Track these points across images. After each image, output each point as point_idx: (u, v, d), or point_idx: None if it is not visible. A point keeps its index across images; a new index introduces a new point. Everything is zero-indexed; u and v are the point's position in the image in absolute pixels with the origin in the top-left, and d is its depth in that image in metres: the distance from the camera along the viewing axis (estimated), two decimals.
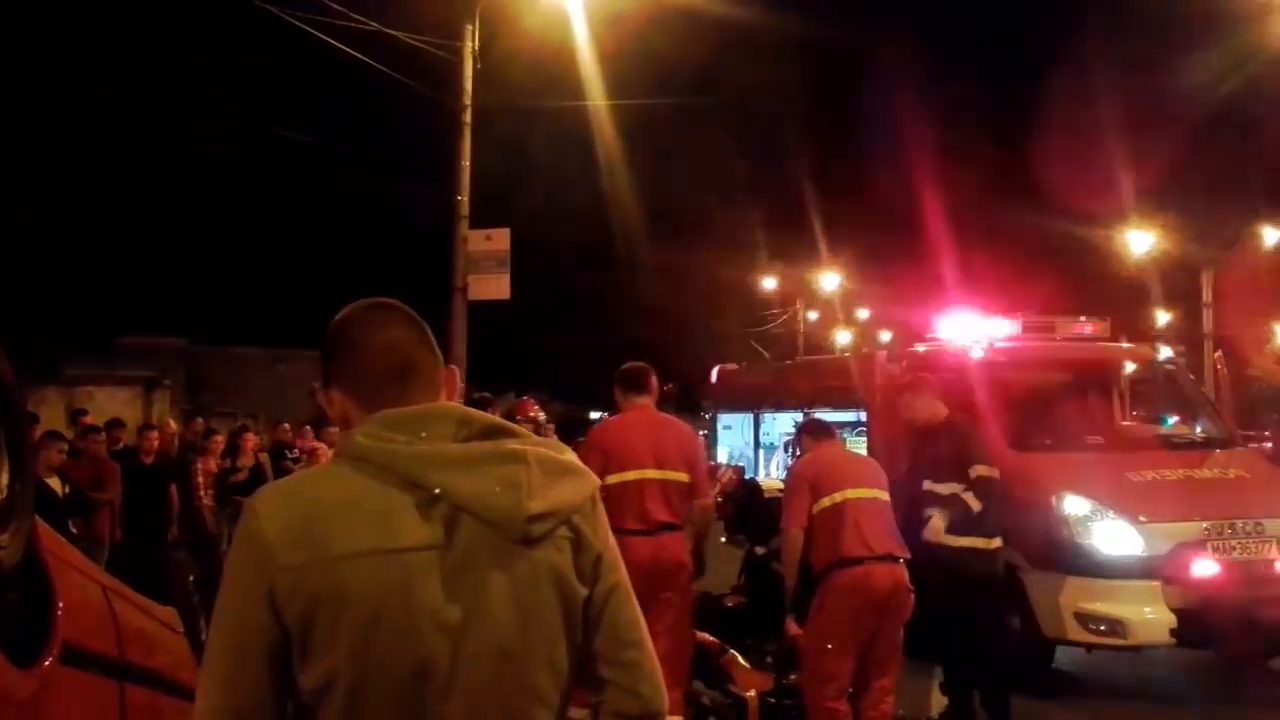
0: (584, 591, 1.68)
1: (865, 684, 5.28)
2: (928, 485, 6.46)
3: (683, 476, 5.42)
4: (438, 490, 1.59)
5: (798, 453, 6.46)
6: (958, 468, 6.41)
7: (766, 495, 8.36)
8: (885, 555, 5.22)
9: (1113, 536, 7.02)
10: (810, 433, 6.01)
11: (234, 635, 1.60)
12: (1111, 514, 7.10)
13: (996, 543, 6.35)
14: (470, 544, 1.60)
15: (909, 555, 5.37)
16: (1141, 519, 7.08)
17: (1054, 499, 7.23)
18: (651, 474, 5.34)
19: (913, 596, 5.29)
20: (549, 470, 1.66)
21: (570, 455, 1.76)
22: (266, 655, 1.58)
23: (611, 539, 1.76)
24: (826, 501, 5.33)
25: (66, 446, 9.07)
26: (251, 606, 1.58)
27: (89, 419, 10.57)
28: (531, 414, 9.52)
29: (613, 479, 5.17)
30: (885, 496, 5.48)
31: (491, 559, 1.60)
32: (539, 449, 1.68)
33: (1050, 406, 8.92)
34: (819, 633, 5.27)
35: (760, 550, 7.74)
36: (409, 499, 1.59)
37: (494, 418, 1.73)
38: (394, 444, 1.63)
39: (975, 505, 6.27)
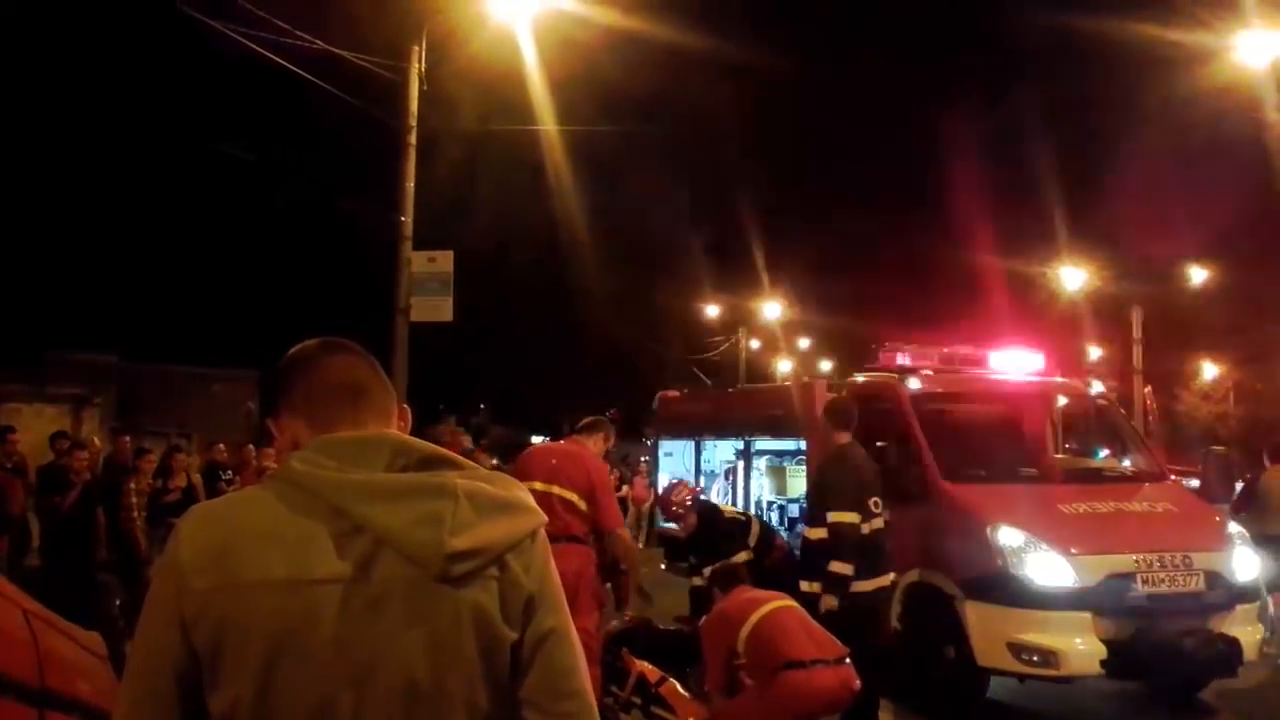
0: (512, 635, 1.61)
1: None
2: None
3: (572, 496, 5.97)
4: (359, 521, 1.55)
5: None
6: (816, 509, 6.88)
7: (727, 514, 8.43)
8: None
9: (1045, 568, 7.12)
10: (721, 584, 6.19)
11: (147, 657, 1.58)
12: (1044, 546, 7.20)
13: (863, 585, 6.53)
14: (388, 579, 1.55)
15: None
16: (1073, 551, 7.18)
17: (988, 530, 7.31)
18: (538, 487, 5.82)
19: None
20: (482, 506, 1.61)
21: (515, 491, 1.70)
22: (175, 678, 1.55)
23: (554, 579, 1.69)
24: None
25: None
26: (163, 629, 1.56)
27: (16, 437, 10.28)
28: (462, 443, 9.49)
29: None
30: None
31: (408, 596, 1.55)
32: (475, 483, 1.63)
33: (985, 438, 9.06)
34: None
35: (699, 581, 7.73)
36: (329, 528, 1.56)
37: (436, 448, 1.69)
38: (325, 470, 1.60)
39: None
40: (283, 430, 1.75)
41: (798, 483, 9.68)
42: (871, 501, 6.71)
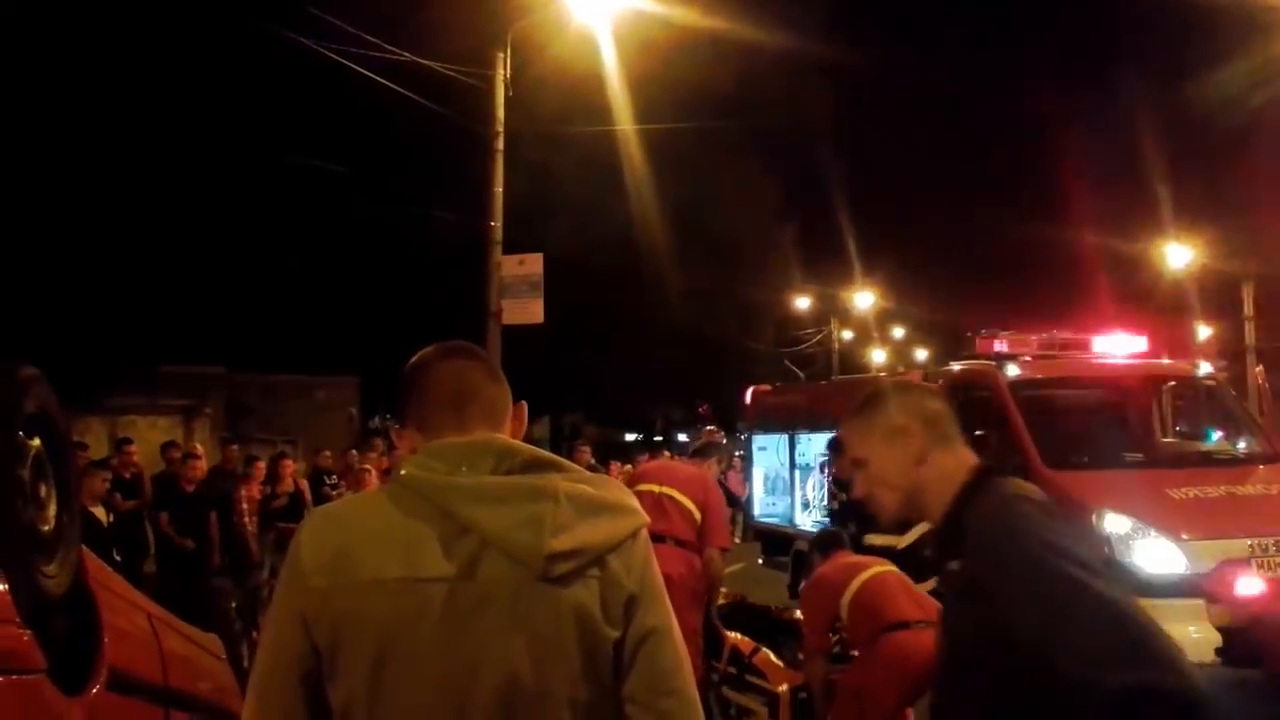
0: (614, 633, 1.65)
1: None
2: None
3: (687, 501, 6.00)
4: (465, 523, 1.62)
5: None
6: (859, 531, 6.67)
7: None
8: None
9: (1155, 555, 6.94)
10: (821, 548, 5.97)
11: (273, 653, 1.67)
12: (1153, 532, 7.03)
13: None
14: (493, 578, 1.61)
15: None
16: (1184, 536, 6.99)
17: (1094, 516, 7.15)
18: (653, 487, 5.95)
19: None
20: (582, 507, 1.66)
21: (616, 493, 1.75)
22: (298, 673, 1.63)
23: (655, 578, 1.73)
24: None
25: (111, 476, 9.22)
26: (286, 627, 1.65)
27: (133, 448, 10.72)
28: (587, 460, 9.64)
29: None
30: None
31: (511, 595, 1.60)
32: (577, 485, 1.68)
33: (1088, 424, 8.85)
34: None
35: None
36: (438, 530, 1.62)
37: (540, 451, 1.75)
38: (434, 474, 1.67)
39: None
40: (402, 438, 1.84)
41: None
42: None
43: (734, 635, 6.29)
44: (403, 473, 1.71)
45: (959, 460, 2.03)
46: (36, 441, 2.10)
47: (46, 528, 2.09)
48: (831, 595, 5.39)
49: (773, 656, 6.14)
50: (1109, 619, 1.64)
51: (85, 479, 8.72)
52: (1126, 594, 1.67)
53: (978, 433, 8.07)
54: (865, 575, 5.36)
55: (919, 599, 5.28)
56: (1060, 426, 8.40)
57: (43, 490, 2.11)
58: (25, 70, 18.26)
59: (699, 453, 6.87)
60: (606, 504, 1.70)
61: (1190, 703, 1.58)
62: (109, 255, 21.38)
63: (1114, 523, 7.09)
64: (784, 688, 5.85)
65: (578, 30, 14.57)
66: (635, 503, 1.76)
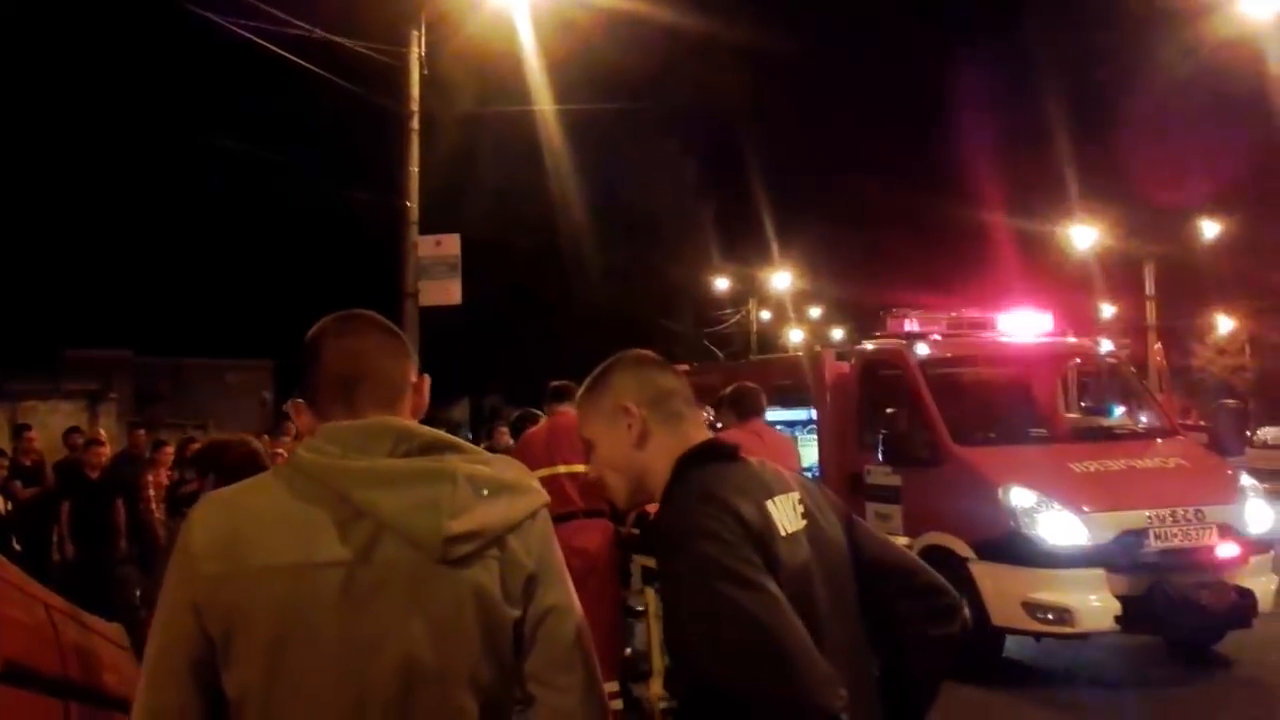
0: (514, 613, 1.65)
1: None
2: None
3: (577, 468, 5.80)
4: (361, 507, 1.60)
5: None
6: None
7: None
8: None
9: (1058, 527, 7.16)
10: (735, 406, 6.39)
11: (163, 642, 1.63)
12: (1056, 505, 7.24)
13: None
14: (389, 562, 1.59)
15: None
16: (1085, 509, 7.21)
17: (1000, 491, 7.35)
18: (542, 472, 5.68)
19: None
20: (481, 488, 1.65)
21: (515, 472, 1.74)
22: (189, 662, 1.61)
23: (555, 557, 1.73)
24: None
25: (7, 464, 8.92)
26: (177, 614, 1.62)
27: (33, 435, 10.38)
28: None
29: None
30: None
31: (410, 578, 1.59)
32: (475, 466, 1.68)
33: (995, 401, 9.09)
34: None
35: None
36: (333, 514, 1.60)
37: (438, 433, 1.73)
38: (328, 458, 1.64)
39: None
40: (299, 413, 1.80)
41: (809, 452, 9.72)
42: None
43: (643, 559, 6.33)
44: (297, 455, 1.68)
45: (681, 442, 1.91)
46: None
47: None
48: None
49: None
50: (748, 633, 1.59)
51: None
52: (776, 609, 1.62)
53: (889, 410, 8.24)
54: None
55: None
56: (969, 404, 8.61)
57: None
58: None
59: (559, 396, 6.37)
60: (505, 484, 1.70)
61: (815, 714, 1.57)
62: (10, 236, 20.63)
63: (1019, 496, 7.29)
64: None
65: (494, 8, 14.43)
66: (534, 481, 1.76)
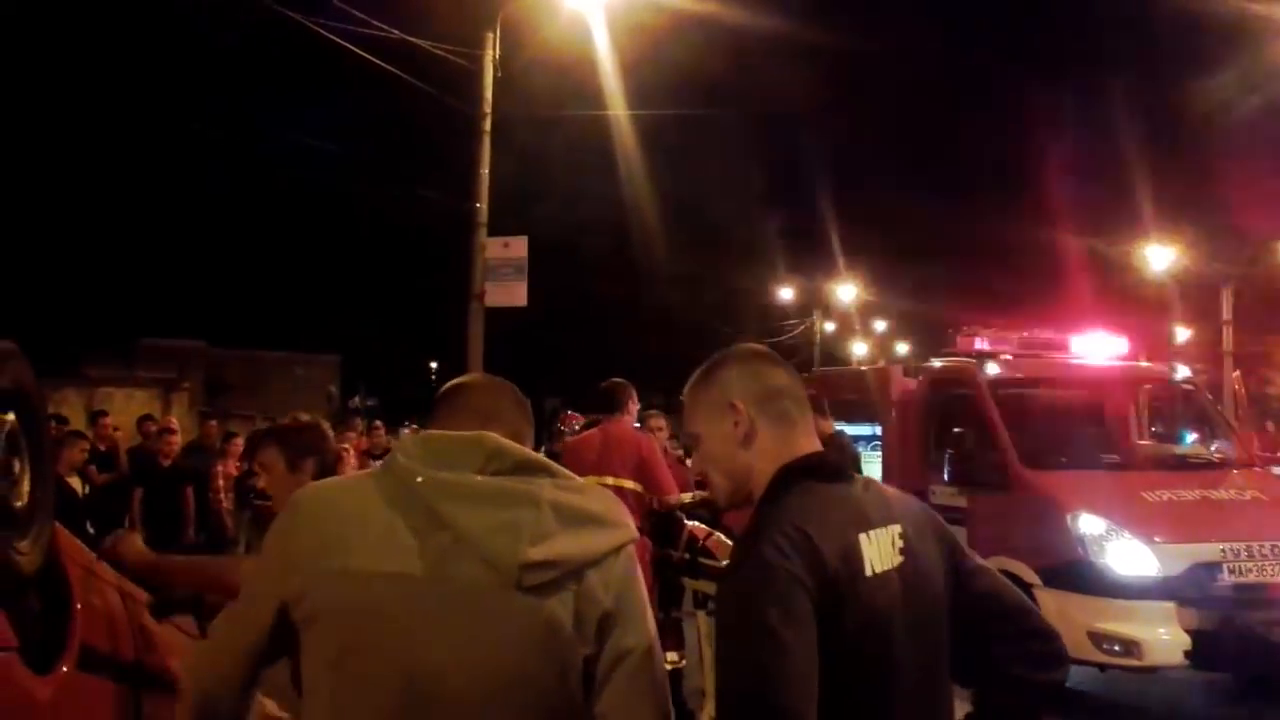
0: (585, 649, 1.61)
1: None
2: None
3: (624, 482, 5.90)
4: (443, 519, 1.59)
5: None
6: None
7: None
8: None
9: (1128, 556, 6.98)
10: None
11: (235, 624, 1.70)
12: (1126, 534, 7.07)
13: None
14: (462, 580, 1.57)
15: None
16: (1157, 539, 7.03)
17: (1069, 518, 7.20)
18: (592, 481, 5.68)
19: None
20: (567, 518, 1.62)
21: (605, 504, 1.71)
22: (252, 649, 1.66)
23: (637, 596, 1.68)
24: None
25: (88, 446, 9.14)
26: (258, 603, 1.66)
27: (109, 420, 10.65)
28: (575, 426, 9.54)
29: None
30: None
31: (483, 598, 1.57)
32: (563, 494, 1.65)
33: (1065, 424, 8.90)
34: None
35: None
36: (414, 523, 1.60)
37: (532, 454, 1.71)
38: (419, 466, 1.64)
39: None
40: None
41: (873, 469, 9.62)
42: None
43: (692, 524, 6.38)
44: (394, 460, 1.70)
45: (788, 447, 1.83)
46: (10, 416, 2.07)
47: (20, 504, 2.07)
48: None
49: (724, 538, 6.26)
50: (747, 680, 1.55)
51: (63, 449, 8.69)
52: (803, 662, 1.57)
53: (957, 430, 8.12)
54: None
55: None
56: (1038, 426, 8.45)
57: (16, 466, 2.08)
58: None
59: (611, 404, 6.34)
60: (592, 516, 1.67)
61: None
62: (93, 226, 21.20)
63: (1089, 523, 7.13)
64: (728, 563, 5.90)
65: (569, 13, 14.51)
66: (625, 516, 1.73)
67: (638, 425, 6.97)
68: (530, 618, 1.58)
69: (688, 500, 6.97)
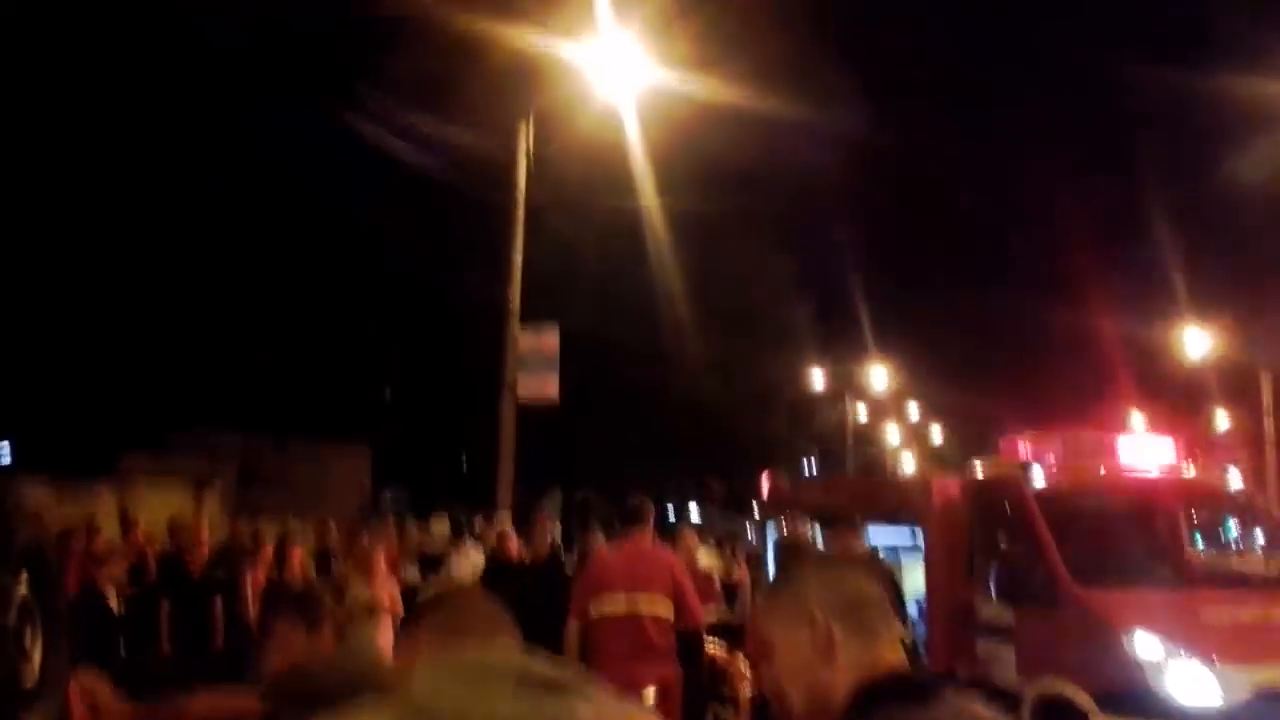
0: None
1: None
2: None
3: (662, 609, 5.94)
4: None
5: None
6: None
7: None
8: None
9: (1188, 680, 6.69)
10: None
11: None
12: (1186, 656, 6.78)
13: None
14: None
15: None
16: (1218, 662, 6.74)
17: (1124, 637, 6.92)
18: (621, 607, 5.92)
19: None
20: None
21: None
22: None
23: None
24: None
25: (127, 565, 9.08)
26: None
27: (141, 530, 10.59)
28: (550, 533, 9.72)
29: (594, 611, 5.95)
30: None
31: None
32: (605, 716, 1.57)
33: (1115, 537, 8.62)
34: None
35: None
36: None
37: (554, 671, 1.62)
38: (449, 699, 1.53)
39: None
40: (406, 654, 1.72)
41: (914, 578, 9.34)
42: (900, 610, 6.64)
43: (713, 646, 6.56)
44: (414, 689, 1.57)
45: (871, 663, 1.70)
46: (23, 587, 1.96)
47: (30, 683, 1.95)
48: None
49: (743, 665, 6.38)
50: None
51: (105, 564, 8.68)
52: None
53: (1002, 543, 7.88)
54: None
55: None
56: (1088, 539, 8.18)
57: (28, 637, 1.96)
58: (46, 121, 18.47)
59: (635, 520, 6.45)
60: None
61: None
62: (123, 316, 21.44)
63: (1145, 644, 6.85)
64: (746, 694, 6.38)
65: (600, 104, 14.69)
66: None
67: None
68: None
69: (711, 619, 7.00)
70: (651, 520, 6.49)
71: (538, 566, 9.52)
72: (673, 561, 6.42)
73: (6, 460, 19.18)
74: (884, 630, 1.74)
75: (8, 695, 1.87)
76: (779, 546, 9.26)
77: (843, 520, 7.00)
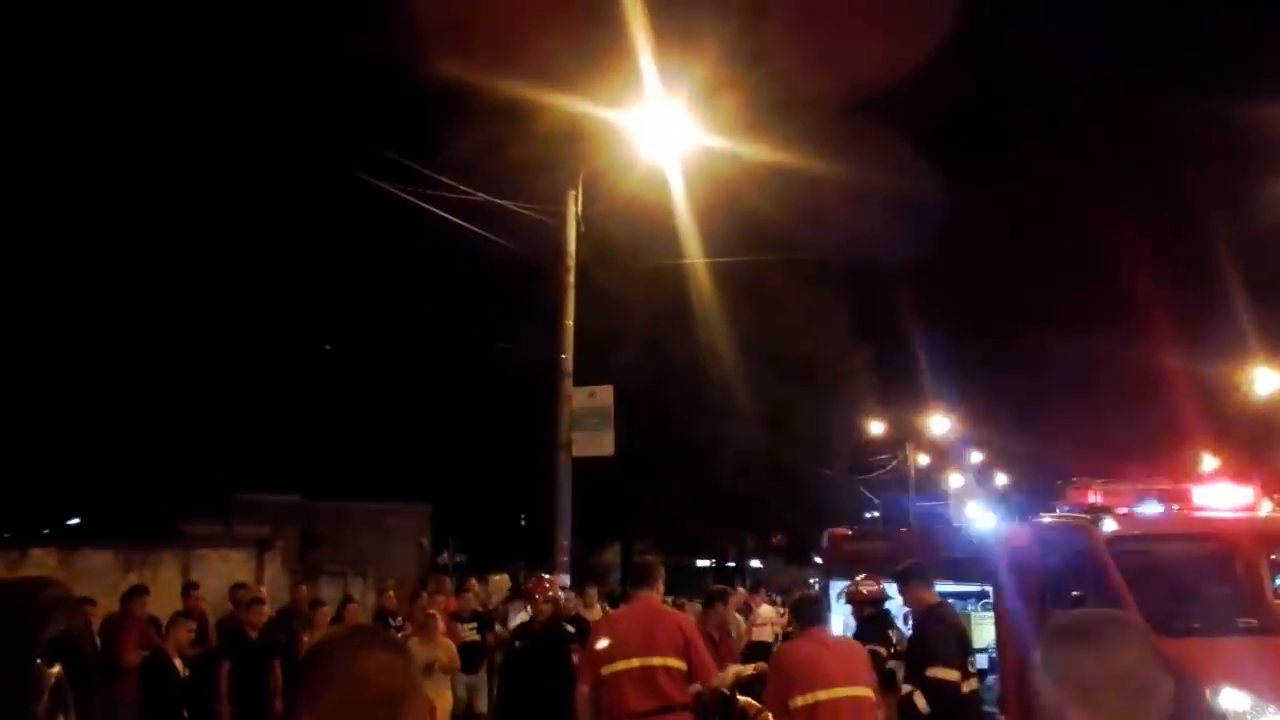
0: None
1: None
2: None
3: (675, 663, 5.88)
4: None
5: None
6: (917, 664, 6.70)
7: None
8: None
9: None
10: (797, 614, 6.24)
11: None
12: (1274, 709, 6.45)
13: None
14: None
15: None
16: None
17: (1208, 692, 6.61)
18: (635, 663, 5.86)
19: None
20: None
21: None
22: None
23: None
24: (799, 701, 5.47)
25: (194, 627, 9.14)
26: None
27: (199, 594, 10.65)
28: (551, 594, 9.55)
29: (605, 670, 5.90)
30: (867, 693, 5.63)
31: None
32: None
33: (1193, 584, 8.26)
34: None
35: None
36: None
37: None
38: None
39: (922, 707, 6.46)
40: None
41: (985, 630, 9.05)
42: (969, 661, 6.40)
43: (744, 700, 6.54)
44: None
45: None
46: (57, 669, 1.93)
47: None
48: (787, 686, 5.61)
49: (771, 716, 6.16)
50: None
51: (171, 630, 8.82)
52: None
53: (1074, 594, 7.59)
54: (824, 695, 5.45)
55: None
56: (1164, 587, 7.85)
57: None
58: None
59: (645, 581, 6.42)
60: None
61: None
62: (185, 384, 21.85)
63: (1231, 699, 6.54)
64: None
65: (647, 166, 14.78)
66: None
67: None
68: None
69: (749, 672, 7.10)
70: (661, 581, 6.45)
71: (541, 629, 9.24)
72: (683, 622, 6.39)
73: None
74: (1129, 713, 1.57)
75: None
76: (846, 596, 9.11)
77: (914, 573, 6.96)
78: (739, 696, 6.68)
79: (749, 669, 7.13)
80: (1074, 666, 1.58)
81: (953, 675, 6.39)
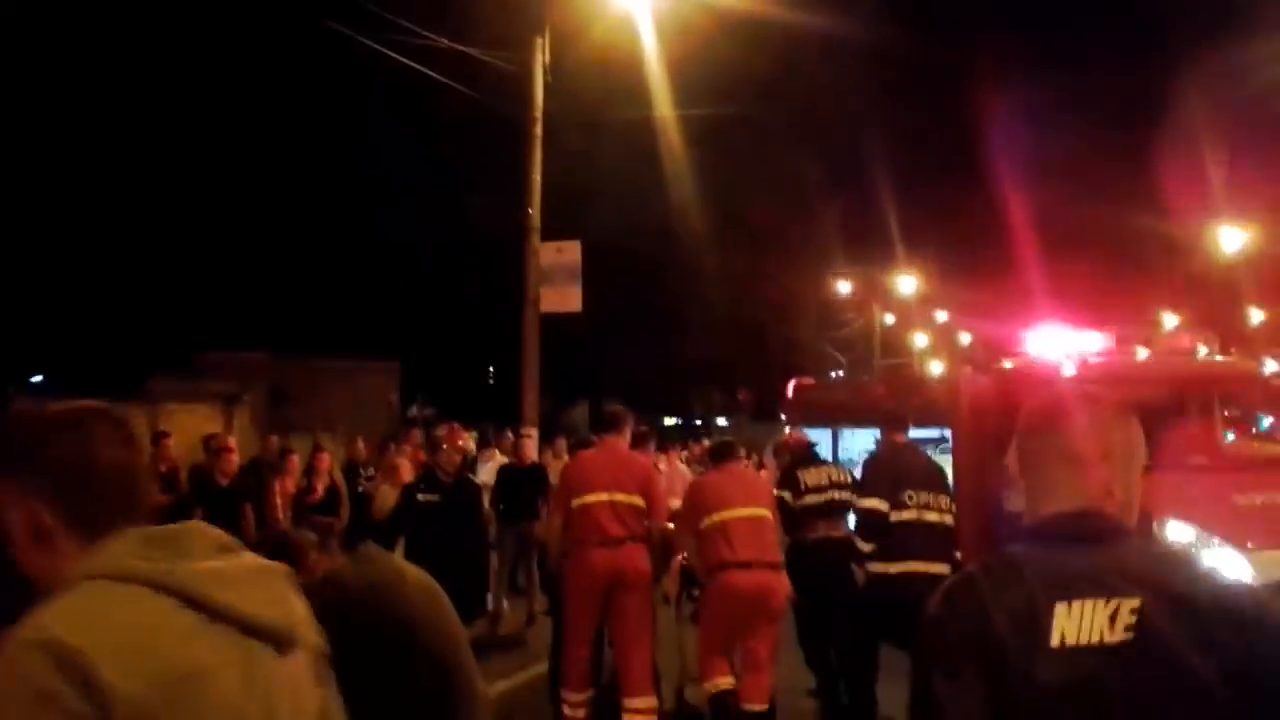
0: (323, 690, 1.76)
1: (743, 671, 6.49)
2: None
3: (635, 499, 6.57)
4: (223, 608, 1.58)
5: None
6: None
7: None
8: (749, 562, 6.31)
9: (1220, 566, 6.62)
10: (712, 454, 7.30)
11: None
12: (1217, 541, 6.71)
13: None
14: (260, 656, 1.61)
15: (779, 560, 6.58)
16: (1250, 546, 6.67)
17: (1155, 525, 6.85)
18: (604, 497, 6.53)
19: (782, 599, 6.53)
20: (290, 583, 1.75)
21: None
22: None
23: None
24: (706, 522, 6.46)
25: (159, 476, 9.15)
26: None
27: (169, 442, 10.67)
28: (460, 442, 9.82)
29: (575, 502, 6.57)
30: (764, 513, 6.58)
31: (277, 671, 1.63)
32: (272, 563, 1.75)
33: (1147, 425, 8.45)
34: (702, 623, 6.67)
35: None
36: (195, 619, 1.56)
37: (225, 536, 1.71)
38: (168, 563, 1.58)
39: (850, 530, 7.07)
40: (13, 508, 1.63)
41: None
42: (906, 494, 6.63)
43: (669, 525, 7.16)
44: (130, 563, 1.57)
45: (1045, 504, 1.91)
46: None
47: None
48: (698, 510, 6.57)
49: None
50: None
51: None
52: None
53: None
54: (727, 515, 6.40)
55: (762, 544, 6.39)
56: None
57: None
58: (74, 63, 18.34)
59: (615, 431, 7.00)
60: (289, 578, 1.78)
61: None
62: (151, 241, 21.51)
63: (1177, 531, 6.79)
64: (676, 559, 7.37)
65: (616, 15, 14.37)
66: None
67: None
68: (304, 674, 1.72)
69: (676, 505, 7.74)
70: (628, 426, 7.03)
71: (453, 483, 9.53)
72: (646, 465, 7.04)
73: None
74: (1064, 479, 1.88)
75: None
76: (773, 449, 9.50)
77: (886, 419, 7.21)
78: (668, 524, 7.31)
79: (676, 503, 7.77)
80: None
81: (880, 505, 6.69)
